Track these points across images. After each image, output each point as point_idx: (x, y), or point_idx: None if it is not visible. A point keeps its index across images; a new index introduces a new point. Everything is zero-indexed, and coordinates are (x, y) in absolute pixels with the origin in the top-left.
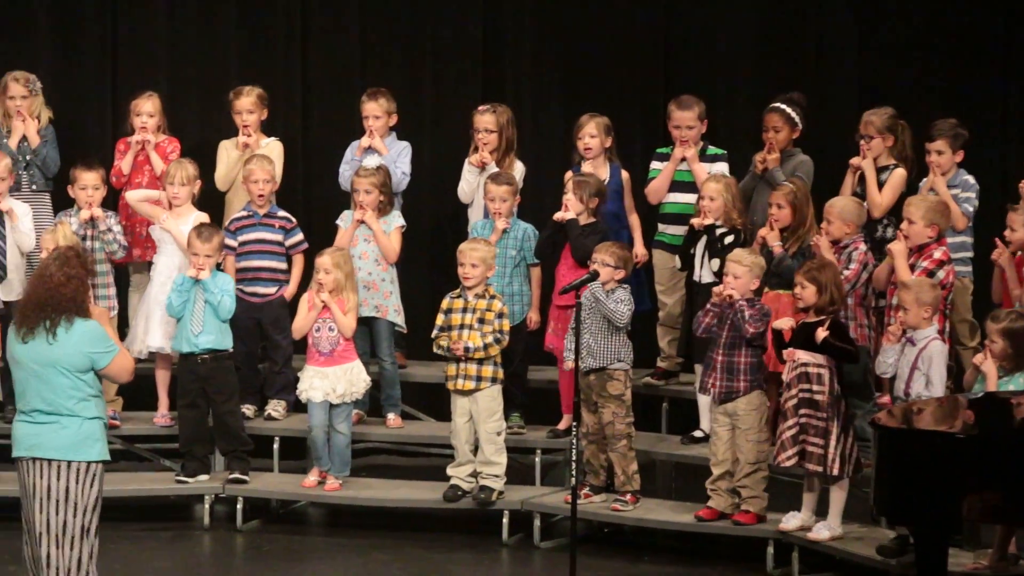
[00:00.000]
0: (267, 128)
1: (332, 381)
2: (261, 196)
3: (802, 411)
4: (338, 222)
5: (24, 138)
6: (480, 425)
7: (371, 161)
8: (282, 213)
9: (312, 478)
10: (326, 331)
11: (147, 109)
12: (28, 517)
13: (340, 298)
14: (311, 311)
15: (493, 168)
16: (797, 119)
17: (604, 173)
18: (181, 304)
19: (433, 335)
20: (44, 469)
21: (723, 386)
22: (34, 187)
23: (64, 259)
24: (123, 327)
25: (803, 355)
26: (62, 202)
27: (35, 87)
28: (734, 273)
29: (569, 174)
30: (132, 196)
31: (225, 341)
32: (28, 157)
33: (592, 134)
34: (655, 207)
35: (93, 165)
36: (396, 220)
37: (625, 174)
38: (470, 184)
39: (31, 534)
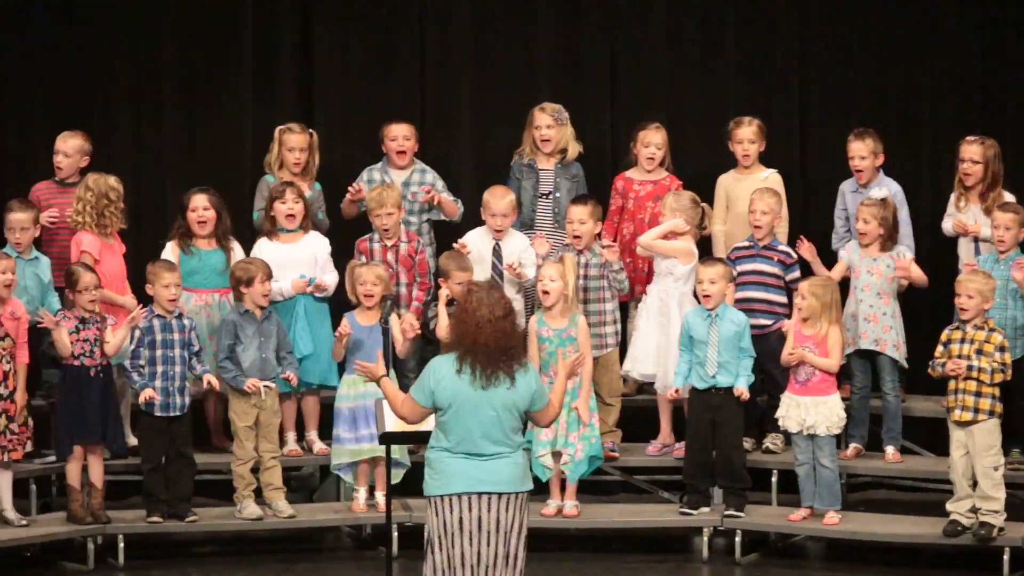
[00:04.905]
0: (765, 160)
1: (803, 411)
2: (758, 227)
3: None
4: (841, 253)
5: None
6: (977, 459)
7: (878, 193)
8: (782, 247)
9: (800, 512)
10: None
11: (655, 141)
12: (464, 552)
13: (814, 330)
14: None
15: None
16: None
17: None
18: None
19: (930, 365)
20: (493, 502)
21: None
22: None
23: (501, 301)
24: None
25: None
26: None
27: (561, 117)
28: None
29: None
30: (655, 233)
31: (738, 379)
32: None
33: None
34: None
35: (583, 201)
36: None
37: None
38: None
39: (468, 567)
